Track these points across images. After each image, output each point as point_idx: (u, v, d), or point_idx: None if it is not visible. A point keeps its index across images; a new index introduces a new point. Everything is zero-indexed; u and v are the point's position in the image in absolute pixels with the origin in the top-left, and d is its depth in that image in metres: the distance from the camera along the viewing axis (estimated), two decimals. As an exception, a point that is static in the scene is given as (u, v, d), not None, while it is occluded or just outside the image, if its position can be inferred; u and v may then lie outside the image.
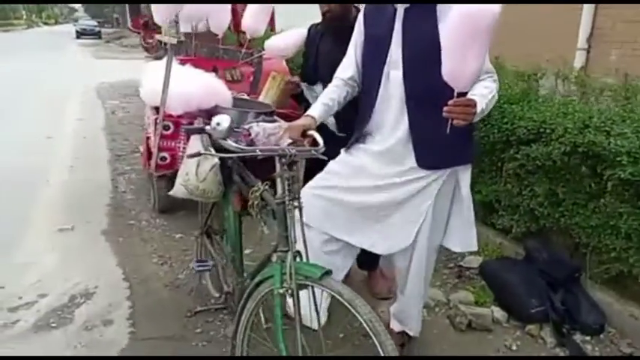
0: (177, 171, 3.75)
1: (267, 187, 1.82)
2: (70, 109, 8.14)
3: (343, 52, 2.12)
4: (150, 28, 12.12)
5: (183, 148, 2.30)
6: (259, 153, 1.67)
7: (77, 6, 77.57)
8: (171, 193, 2.35)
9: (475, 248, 2.03)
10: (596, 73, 3.20)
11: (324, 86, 2.22)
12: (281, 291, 1.58)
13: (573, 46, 4.29)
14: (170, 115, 2.18)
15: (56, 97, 8.98)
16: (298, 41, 2.78)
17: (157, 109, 2.36)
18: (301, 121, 1.96)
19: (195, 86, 2.20)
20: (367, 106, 2.00)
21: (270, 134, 2.31)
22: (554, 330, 2.35)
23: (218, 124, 1.67)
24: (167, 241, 3.52)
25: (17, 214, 3.89)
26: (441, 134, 1.63)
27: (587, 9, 4.26)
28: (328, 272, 1.52)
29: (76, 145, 6.03)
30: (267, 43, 2.95)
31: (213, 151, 1.83)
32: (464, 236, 2.01)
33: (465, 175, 1.95)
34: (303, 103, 2.68)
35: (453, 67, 1.52)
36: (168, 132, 2.26)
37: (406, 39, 1.83)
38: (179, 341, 2.40)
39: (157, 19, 2.38)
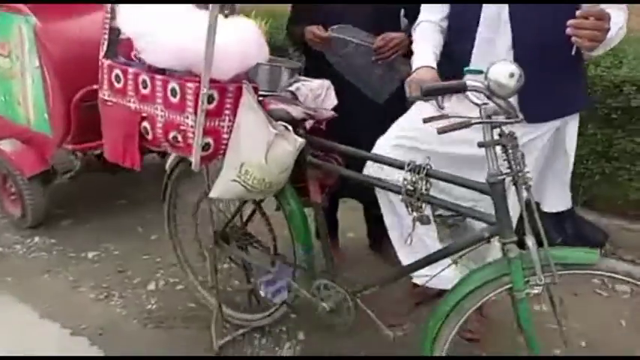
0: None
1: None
2: None
3: None
4: None
5: (229, 128, 1.54)
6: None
7: None
8: (214, 195, 1.61)
9: (570, 206, 1.86)
10: None
11: None
12: (531, 291, 1.23)
13: None
14: (214, 81, 1.42)
15: None
16: None
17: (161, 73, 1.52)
18: (429, 75, 1.51)
19: (240, 37, 1.49)
20: (459, 54, 1.65)
21: (316, 95, 1.80)
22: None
23: (512, 74, 1.12)
24: (81, 265, 2.48)
25: None
26: (551, 79, 1.45)
27: None
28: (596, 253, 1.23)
29: None
30: None
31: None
32: (560, 195, 1.80)
33: (572, 125, 1.70)
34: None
35: None
36: (212, 106, 1.45)
37: None
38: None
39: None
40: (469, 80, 1.20)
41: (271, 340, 1.98)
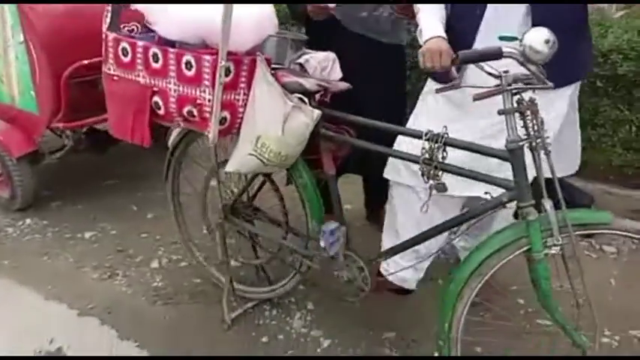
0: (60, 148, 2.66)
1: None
2: None
3: None
4: None
5: (244, 102, 1.52)
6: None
7: None
8: (230, 169, 1.61)
9: (577, 169, 1.92)
10: None
11: None
12: (549, 251, 1.29)
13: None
14: (230, 53, 1.39)
15: None
16: None
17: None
18: (444, 45, 1.51)
19: (254, 9, 1.47)
20: (464, 34, 1.61)
21: (323, 67, 1.80)
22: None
23: (547, 41, 1.14)
24: (79, 245, 2.44)
25: None
26: (568, 44, 1.47)
27: None
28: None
29: None
30: None
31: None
32: (573, 160, 1.87)
33: (577, 89, 1.77)
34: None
35: None
36: (229, 78, 1.42)
37: None
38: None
39: None
40: (504, 47, 1.23)
41: (281, 311, 2.01)
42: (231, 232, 1.97)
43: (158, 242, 2.45)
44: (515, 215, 1.63)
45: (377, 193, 2.57)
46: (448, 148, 1.41)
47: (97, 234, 2.53)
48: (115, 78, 1.64)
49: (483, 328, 1.81)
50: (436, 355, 1.63)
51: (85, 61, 2.32)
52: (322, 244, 1.63)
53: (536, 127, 1.29)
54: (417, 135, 1.47)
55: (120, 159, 3.31)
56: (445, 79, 1.54)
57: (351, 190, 2.62)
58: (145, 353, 1.79)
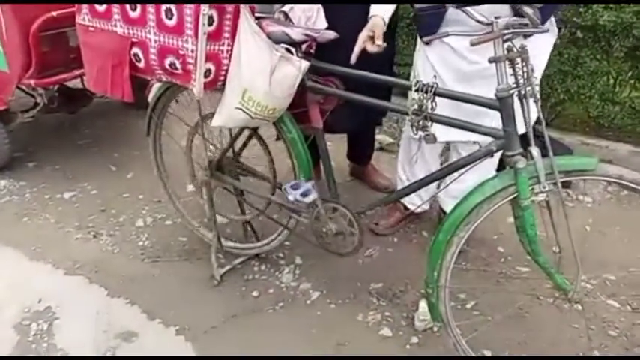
0: (33, 107, 2.56)
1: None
2: None
3: None
4: None
5: (228, 53, 1.47)
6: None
7: None
8: (216, 124, 1.57)
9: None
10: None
11: None
12: (536, 198, 1.32)
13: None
14: (212, 0, 1.33)
15: None
16: None
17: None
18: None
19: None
20: None
21: (308, 17, 1.76)
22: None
23: None
24: (60, 206, 2.39)
25: None
26: None
27: None
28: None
29: None
30: None
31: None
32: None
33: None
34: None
35: None
36: (212, 28, 1.35)
37: None
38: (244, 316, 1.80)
39: None
40: None
41: (270, 266, 2.03)
42: (218, 189, 1.95)
43: (141, 202, 2.42)
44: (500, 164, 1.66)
45: (362, 149, 2.58)
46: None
47: (77, 194, 2.48)
48: (91, 29, 1.57)
49: (468, 276, 1.89)
50: (424, 304, 1.69)
51: (54, 13, 2.20)
52: (290, 197, 1.64)
53: (526, 75, 1.30)
54: (406, 86, 1.46)
55: (93, 118, 3.23)
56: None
57: (333, 147, 2.62)
58: (136, 309, 1.79)
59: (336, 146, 2.62)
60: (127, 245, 2.14)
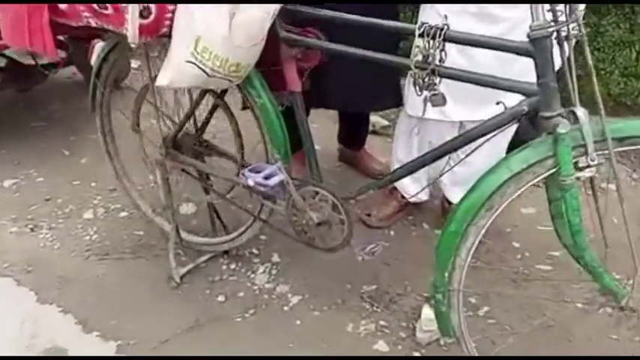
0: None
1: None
2: None
3: None
4: None
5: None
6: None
7: None
8: (162, 83, 1.22)
9: None
10: None
11: None
12: (582, 174, 0.99)
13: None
14: None
15: None
16: None
17: None
18: None
19: None
20: None
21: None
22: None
23: None
24: (-4, 196, 2.04)
25: None
26: None
27: None
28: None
29: None
30: None
31: None
32: None
33: None
34: None
35: None
36: None
37: None
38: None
39: None
40: None
41: (241, 265, 1.69)
42: (175, 171, 1.61)
43: (93, 190, 2.07)
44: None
45: (357, 131, 2.24)
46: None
47: (19, 182, 2.12)
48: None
49: (479, 276, 1.57)
50: (428, 310, 1.37)
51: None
52: (250, 183, 1.32)
53: (567, 9, 0.97)
54: (408, 31, 1.12)
55: (51, 98, 2.86)
56: None
57: (320, 130, 2.29)
58: (69, 319, 1.45)
59: (324, 125, 2.28)
60: (70, 240, 1.79)
